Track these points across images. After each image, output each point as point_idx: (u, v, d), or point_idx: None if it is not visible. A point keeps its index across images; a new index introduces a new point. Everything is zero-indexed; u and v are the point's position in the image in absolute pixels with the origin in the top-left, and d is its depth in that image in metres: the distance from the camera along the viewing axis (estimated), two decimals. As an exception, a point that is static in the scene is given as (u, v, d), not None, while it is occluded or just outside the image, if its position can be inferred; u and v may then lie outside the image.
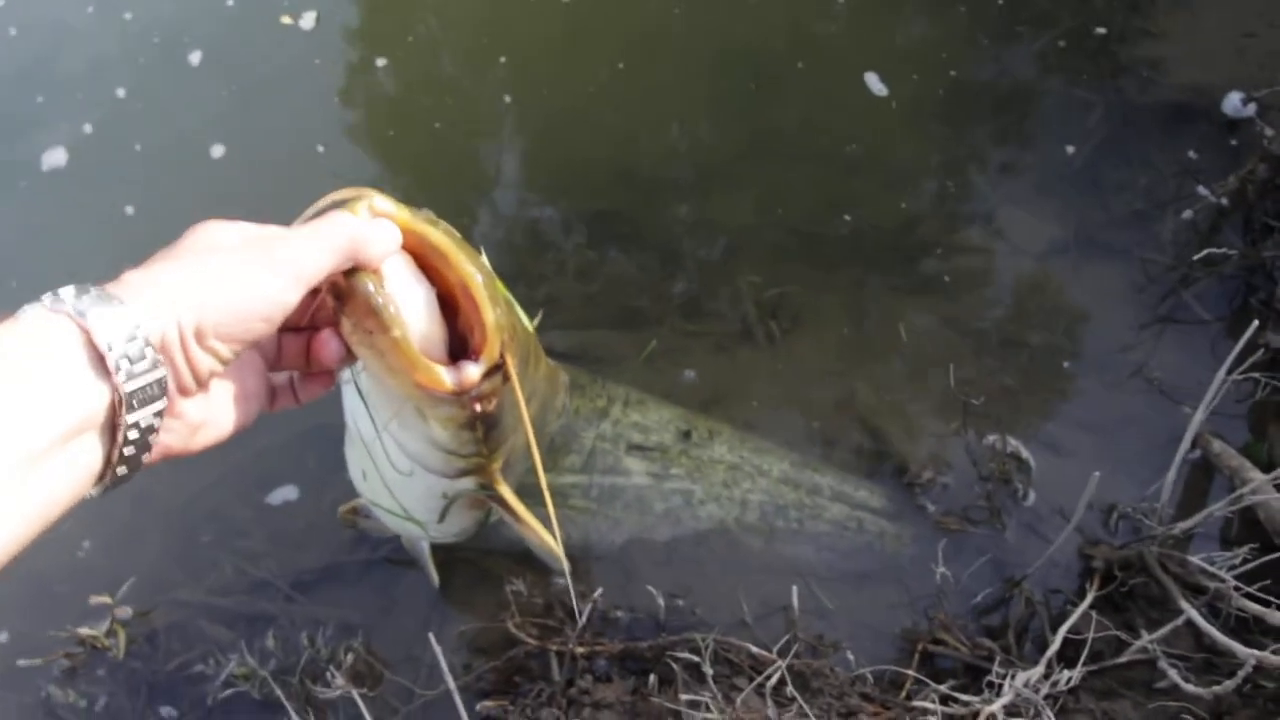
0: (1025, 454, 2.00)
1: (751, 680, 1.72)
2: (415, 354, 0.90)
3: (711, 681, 1.68)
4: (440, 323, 0.95)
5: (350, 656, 1.78)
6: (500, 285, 1.05)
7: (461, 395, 0.97)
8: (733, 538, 2.00)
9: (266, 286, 0.71)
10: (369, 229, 0.81)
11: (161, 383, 0.65)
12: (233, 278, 0.69)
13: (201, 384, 0.71)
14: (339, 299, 0.83)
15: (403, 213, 0.88)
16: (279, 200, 1.15)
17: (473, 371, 0.96)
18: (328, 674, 1.75)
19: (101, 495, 0.68)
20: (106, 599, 1.87)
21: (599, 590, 1.83)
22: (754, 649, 1.74)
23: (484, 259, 0.99)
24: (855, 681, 1.70)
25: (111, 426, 0.64)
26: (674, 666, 1.73)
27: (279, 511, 2.08)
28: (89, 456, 0.64)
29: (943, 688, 1.65)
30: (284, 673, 1.82)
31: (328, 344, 0.85)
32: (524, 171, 2.66)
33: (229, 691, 1.81)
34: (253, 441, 1.91)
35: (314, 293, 0.79)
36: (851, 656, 1.77)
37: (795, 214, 2.52)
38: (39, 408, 0.59)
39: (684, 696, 1.65)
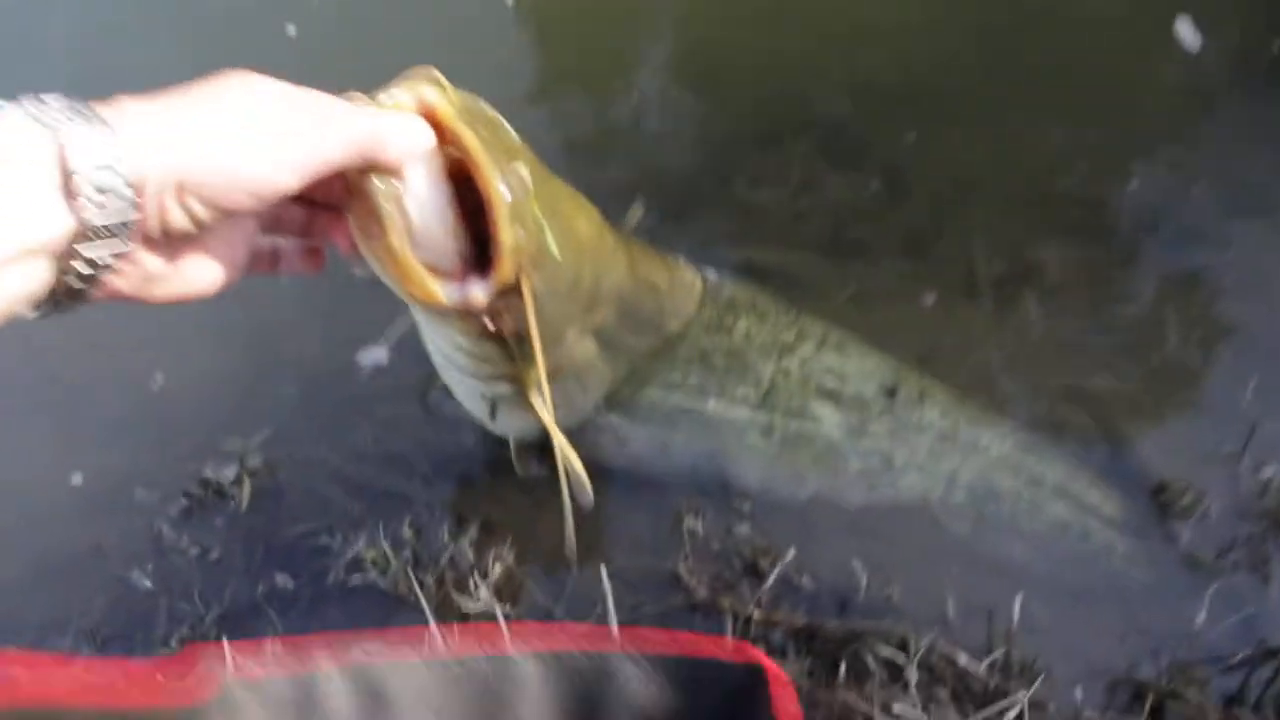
0: (1312, 498, 1.68)
1: (954, 694, 1.47)
2: (410, 266, 0.84)
3: (914, 689, 1.42)
4: (457, 233, 0.88)
5: (498, 567, 1.55)
6: (549, 195, 0.99)
7: (465, 312, 0.93)
8: (934, 518, 1.73)
9: (261, 164, 0.64)
10: (391, 130, 0.74)
11: (127, 224, 0.59)
12: (231, 142, 0.62)
13: (170, 238, 0.66)
14: (348, 190, 0.79)
15: (447, 104, 0.82)
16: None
17: (478, 291, 0.91)
18: (471, 582, 1.52)
19: (37, 318, 0.63)
20: (237, 444, 1.67)
21: (791, 551, 1.57)
22: (967, 663, 1.47)
23: (525, 169, 0.92)
24: (1081, 725, 1.43)
25: (65, 253, 0.59)
26: (868, 660, 1.48)
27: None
28: (33, 278, 0.58)
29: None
30: (419, 567, 1.60)
31: (341, 226, 0.81)
32: (754, 63, 2.35)
33: (356, 576, 1.60)
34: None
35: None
36: (1080, 695, 1.50)
37: (1053, 170, 2.19)
38: None
39: (880, 697, 1.40)
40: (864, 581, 1.57)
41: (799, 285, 2.03)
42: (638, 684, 0.63)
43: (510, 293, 0.95)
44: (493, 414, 1.54)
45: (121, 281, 0.65)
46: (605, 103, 2.43)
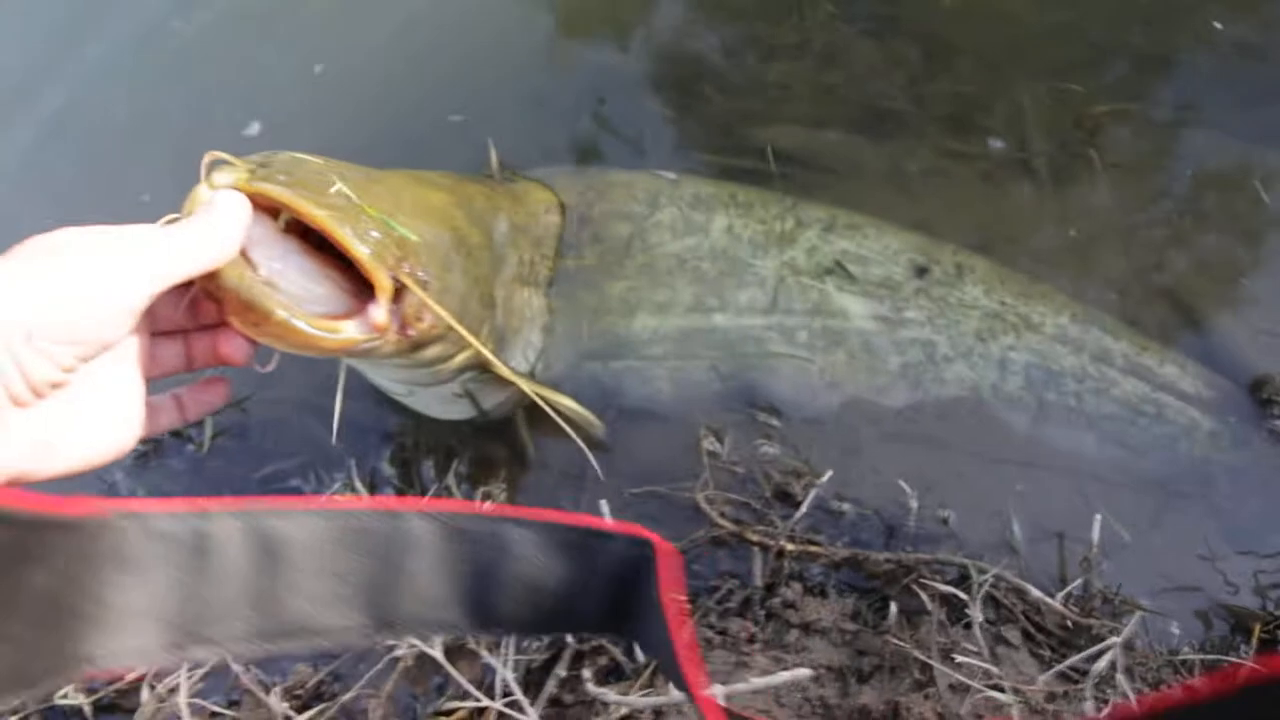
0: None
1: (1026, 634, 1.25)
2: (307, 328, 0.82)
3: (979, 631, 1.21)
4: (326, 274, 0.89)
5: (488, 505, 1.34)
6: (383, 192, 0.99)
7: (383, 335, 0.91)
8: (987, 412, 1.50)
9: (108, 285, 0.63)
10: (201, 231, 0.72)
11: None
12: (70, 275, 0.62)
13: (37, 393, 0.62)
14: (213, 299, 0.77)
15: (235, 179, 0.82)
16: None
17: (378, 313, 0.90)
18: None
19: None
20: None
21: (827, 473, 1.35)
22: (1039, 595, 1.25)
23: (344, 185, 0.91)
24: (1179, 667, 1.21)
25: None
26: (923, 597, 1.26)
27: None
28: None
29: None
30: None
31: (235, 341, 0.79)
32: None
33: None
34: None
35: (183, 289, 0.73)
36: (1177, 630, 1.28)
37: (1114, 25, 1.89)
38: None
39: (939, 642, 1.19)
40: (914, 504, 1.34)
41: (829, 169, 1.78)
42: (528, 549, 0.61)
43: (404, 294, 0.95)
44: (478, 407, 1.40)
45: (11, 453, 0.61)
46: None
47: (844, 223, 1.58)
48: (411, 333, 1.00)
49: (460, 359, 1.24)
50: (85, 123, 2.04)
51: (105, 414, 0.69)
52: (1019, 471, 1.46)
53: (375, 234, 0.91)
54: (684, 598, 0.59)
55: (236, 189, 0.80)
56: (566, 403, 1.37)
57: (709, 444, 1.39)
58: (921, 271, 1.55)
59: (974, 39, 1.92)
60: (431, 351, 1.15)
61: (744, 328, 1.50)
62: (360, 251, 0.88)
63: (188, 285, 0.74)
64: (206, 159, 0.82)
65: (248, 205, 0.77)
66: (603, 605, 0.63)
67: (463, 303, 1.17)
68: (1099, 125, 1.79)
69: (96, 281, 0.64)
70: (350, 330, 0.88)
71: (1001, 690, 1.09)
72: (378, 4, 2.11)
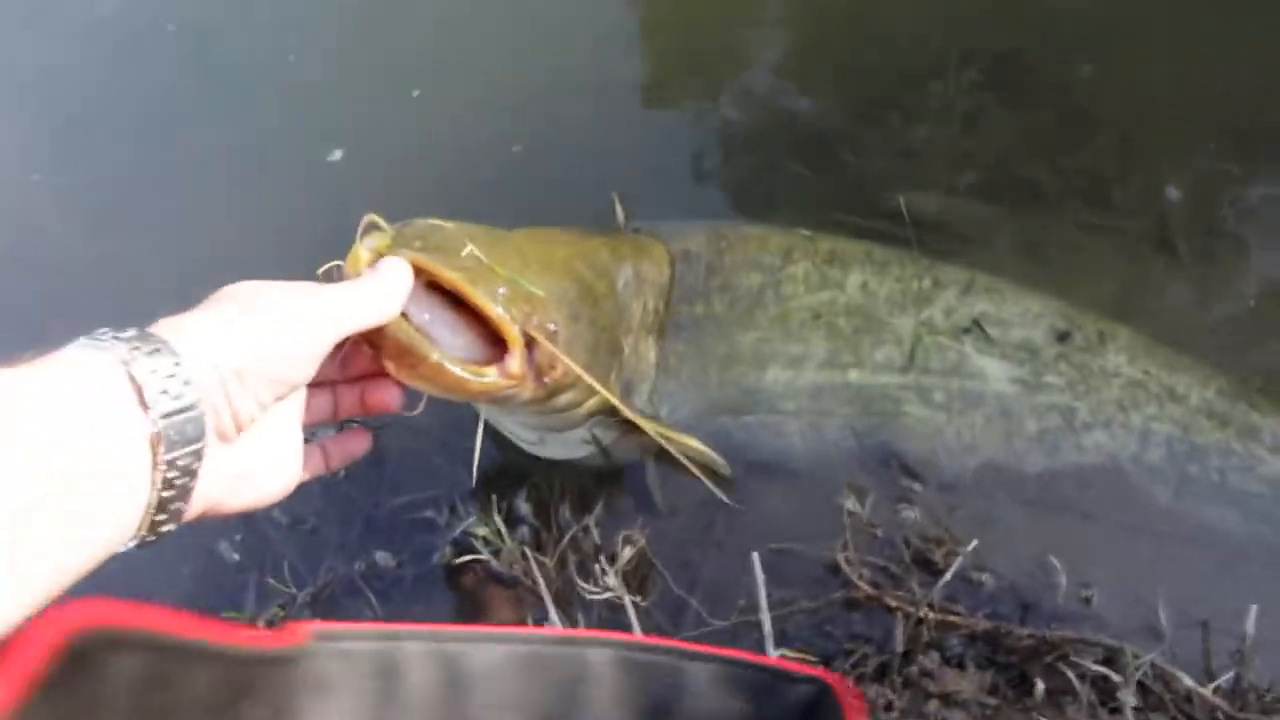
0: None
1: (1177, 722, 1.21)
2: (455, 370, 0.90)
3: (1130, 715, 1.17)
4: (468, 327, 0.97)
5: (628, 551, 1.34)
6: (509, 250, 1.06)
7: (517, 383, 0.99)
8: (1129, 483, 1.46)
9: (303, 331, 0.71)
10: (380, 291, 0.81)
11: (199, 420, 0.63)
12: (272, 322, 0.69)
13: (240, 428, 0.69)
14: (374, 346, 0.86)
15: (385, 239, 0.94)
16: None
17: (513, 364, 0.97)
18: (597, 566, 1.32)
19: (138, 547, 0.63)
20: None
21: (973, 542, 1.33)
22: (1192, 684, 1.21)
23: (473, 246, 0.98)
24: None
25: (150, 467, 0.61)
26: (1070, 676, 1.23)
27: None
28: (128, 498, 0.60)
29: None
30: (537, 548, 1.40)
31: (387, 389, 0.87)
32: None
33: (464, 557, 1.40)
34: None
35: (337, 348, 0.77)
36: (1336, 731, 1.23)
37: (1256, 100, 1.87)
38: (82, 441, 0.56)
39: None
40: (1062, 580, 1.31)
41: (963, 235, 1.77)
42: (707, 686, 0.59)
43: (536, 345, 1.02)
44: (605, 453, 1.42)
45: (209, 485, 0.67)
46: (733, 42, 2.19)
47: (983, 285, 1.57)
48: (547, 380, 1.07)
49: (591, 404, 1.28)
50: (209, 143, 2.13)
51: (276, 457, 0.75)
52: (1161, 546, 1.42)
53: (504, 291, 0.98)
54: None
55: (379, 253, 0.91)
56: (693, 444, 1.38)
57: (850, 504, 1.38)
58: (1063, 337, 1.53)
59: (1112, 108, 1.91)
60: (565, 398, 1.20)
61: (879, 385, 1.49)
62: (492, 309, 0.95)
63: (343, 340, 0.79)
64: (364, 220, 0.93)
65: (410, 268, 0.86)
66: None
67: (591, 351, 1.21)
68: (1240, 201, 1.77)
69: (294, 328, 0.71)
70: (492, 376, 0.96)
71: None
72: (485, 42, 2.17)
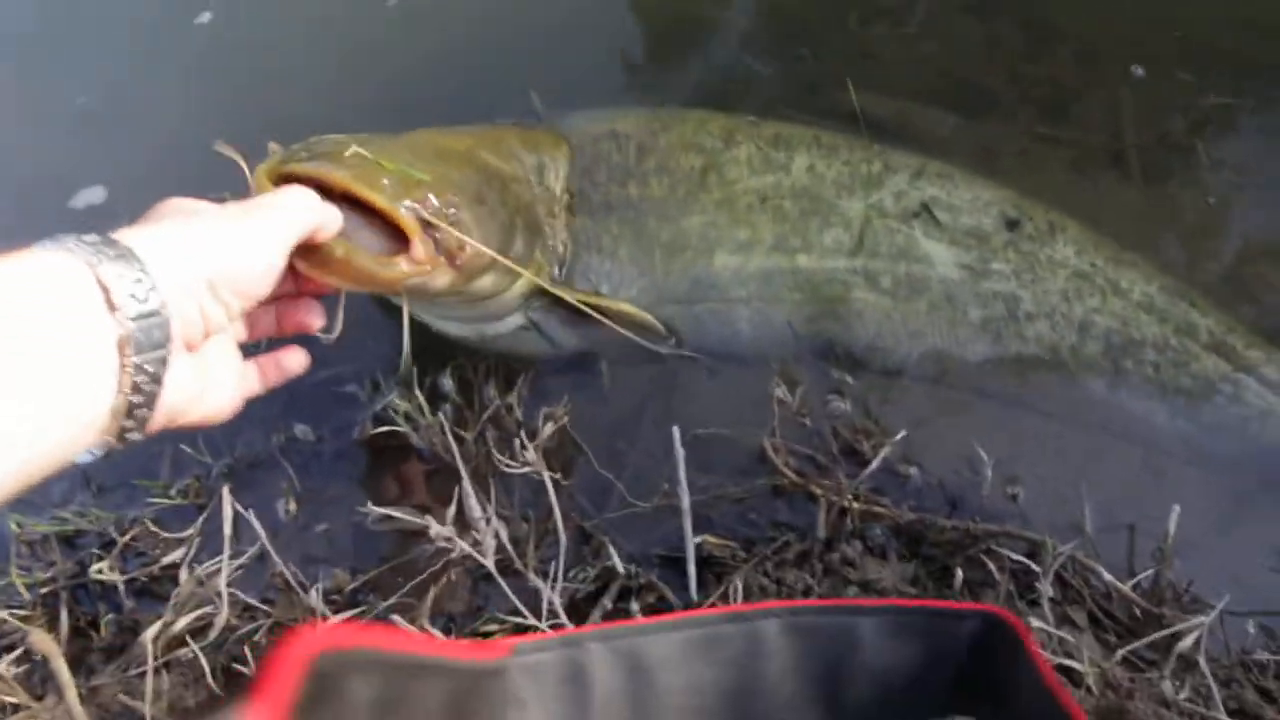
0: None
1: (1093, 617, 1.21)
2: (384, 270, 0.97)
3: (1047, 606, 1.16)
4: (377, 226, 1.00)
5: (549, 427, 1.31)
6: (385, 163, 1.04)
7: (428, 266, 1.03)
8: (1066, 374, 1.46)
9: (261, 243, 0.75)
10: (320, 210, 0.85)
11: (165, 325, 0.64)
12: (234, 235, 0.72)
13: (208, 334, 0.72)
14: (310, 263, 0.88)
15: (288, 163, 0.98)
16: None
17: (417, 249, 1.01)
18: (517, 441, 1.28)
19: (104, 456, 0.65)
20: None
21: (900, 432, 1.31)
22: (1111, 579, 1.21)
23: (354, 148, 1.02)
24: (1251, 667, 1.16)
25: (118, 369, 0.62)
26: (991, 568, 1.22)
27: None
28: (96, 398, 0.62)
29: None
30: (459, 426, 1.36)
31: (307, 309, 0.89)
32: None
33: (383, 428, 1.36)
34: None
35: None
36: (1252, 629, 1.23)
37: (1224, 21, 1.84)
38: (50, 336, 0.58)
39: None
40: (988, 473, 1.30)
41: (917, 140, 1.73)
42: (876, 638, 0.59)
43: (438, 230, 1.06)
44: (548, 339, 1.42)
45: (174, 396, 0.68)
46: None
47: (934, 170, 1.54)
48: (458, 262, 1.09)
49: (519, 286, 1.30)
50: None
51: (223, 373, 0.78)
52: (1090, 443, 1.41)
53: (387, 182, 1.01)
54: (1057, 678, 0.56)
55: (272, 171, 0.96)
56: (625, 309, 1.37)
57: (780, 392, 1.35)
58: (1012, 225, 1.50)
59: (1076, 21, 1.87)
60: (486, 282, 1.22)
61: (828, 270, 1.46)
62: (378, 199, 0.98)
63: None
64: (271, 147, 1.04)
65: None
66: (951, 685, 0.61)
67: (505, 230, 1.22)
68: (1198, 120, 1.74)
69: (253, 241, 0.74)
70: (403, 265, 1.00)
71: (1071, 661, 1.04)
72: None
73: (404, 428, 1.34)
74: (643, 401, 1.45)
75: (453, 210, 1.09)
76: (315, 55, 1.96)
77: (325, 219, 0.86)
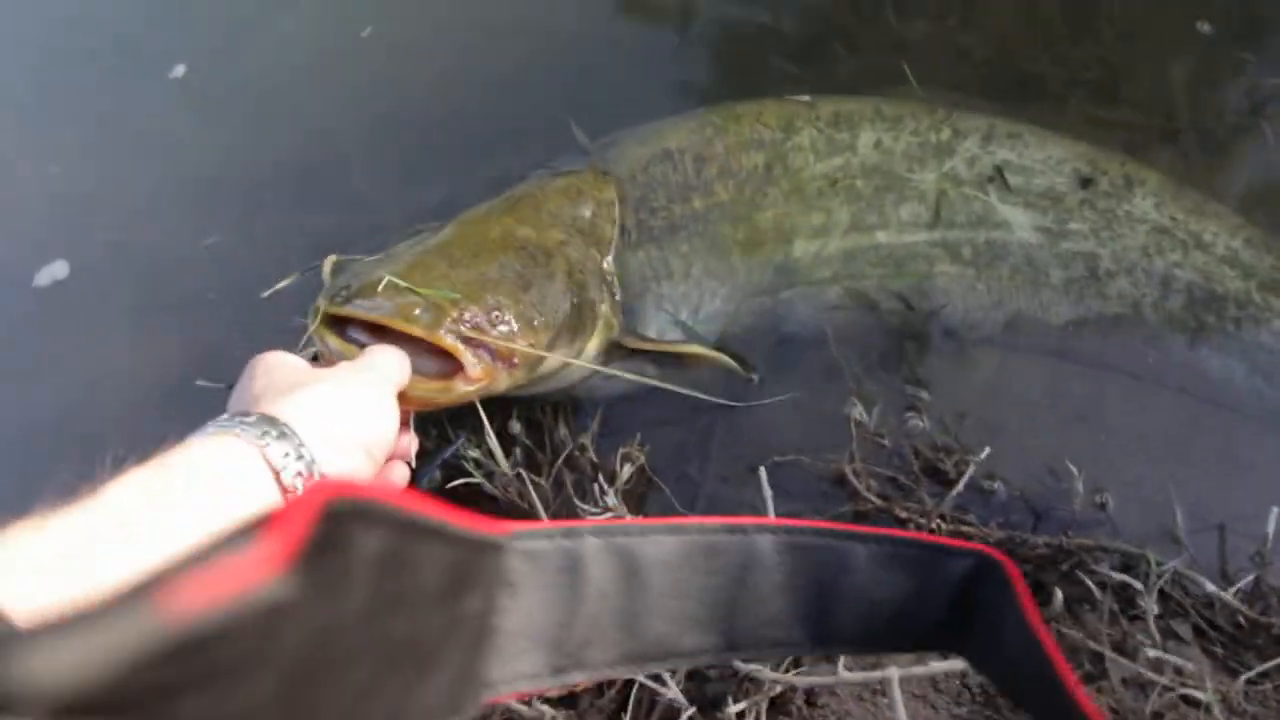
0: None
1: (1198, 630, 1.18)
2: (422, 393, 1.04)
3: (1153, 624, 1.14)
4: (430, 350, 1.07)
5: (628, 469, 1.29)
6: (420, 290, 1.08)
7: (493, 378, 1.11)
8: (1149, 331, 1.44)
9: (385, 404, 0.86)
10: (402, 362, 0.98)
11: None
12: (363, 399, 0.83)
13: None
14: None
15: (334, 304, 1.08)
16: None
17: (470, 369, 1.07)
18: (596, 486, 1.26)
19: None
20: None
21: (985, 450, 1.28)
22: (1214, 589, 1.18)
23: (386, 279, 1.07)
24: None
25: None
26: (1089, 584, 1.19)
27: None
28: None
29: None
30: (531, 468, 1.34)
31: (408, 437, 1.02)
32: None
33: (455, 479, 1.34)
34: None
35: None
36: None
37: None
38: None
39: (1108, 633, 1.12)
40: (1077, 487, 1.27)
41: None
42: (867, 564, 0.59)
43: (476, 347, 1.09)
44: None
45: None
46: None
47: (1004, 131, 1.52)
48: (516, 362, 1.13)
49: (591, 349, 1.31)
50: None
51: None
52: (1173, 398, 1.41)
53: (420, 312, 1.05)
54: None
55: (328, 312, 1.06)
56: (699, 352, 1.37)
57: (856, 413, 1.32)
58: (1086, 182, 1.49)
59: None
60: (551, 363, 1.22)
61: (908, 245, 1.45)
62: (417, 331, 1.03)
63: None
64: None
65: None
66: (939, 620, 0.60)
67: (558, 306, 1.22)
68: (1253, 95, 1.70)
69: (377, 402, 0.86)
70: (460, 386, 1.06)
71: (1191, 686, 1.02)
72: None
73: (477, 476, 1.32)
74: (709, 426, 1.43)
75: (495, 313, 1.12)
76: (307, 92, 1.90)
77: (407, 369, 0.98)
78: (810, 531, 0.60)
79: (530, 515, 1.27)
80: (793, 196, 1.45)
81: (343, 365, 0.88)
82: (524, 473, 1.27)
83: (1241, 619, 1.18)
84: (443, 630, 0.45)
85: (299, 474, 0.68)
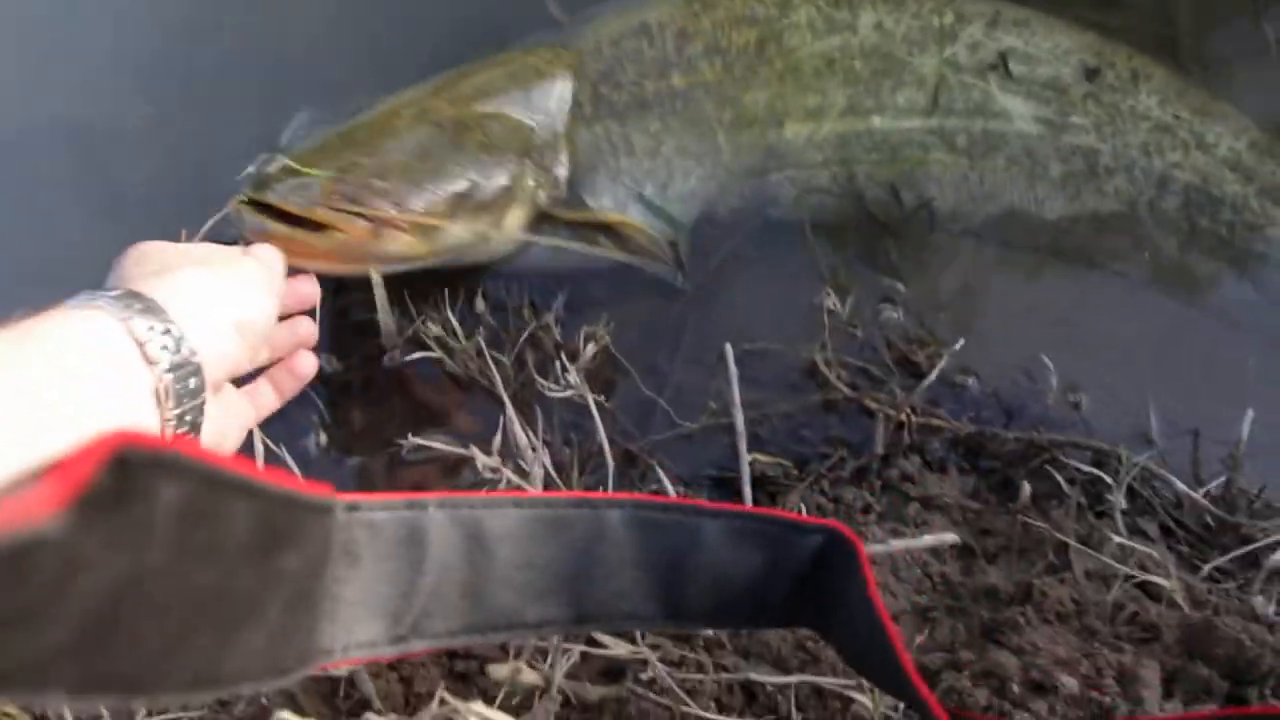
0: None
1: (1165, 529, 1.16)
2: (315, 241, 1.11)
3: (1120, 519, 1.11)
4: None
5: (591, 348, 1.25)
6: (304, 169, 1.13)
7: (372, 237, 1.17)
8: (1141, 232, 1.42)
9: (265, 291, 0.78)
10: (276, 258, 0.86)
11: (199, 373, 0.65)
12: (241, 281, 0.76)
13: (231, 377, 0.75)
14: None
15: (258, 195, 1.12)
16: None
17: (348, 234, 1.12)
18: (558, 365, 1.22)
19: None
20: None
21: (958, 341, 1.25)
22: (1183, 488, 1.16)
23: (277, 160, 1.14)
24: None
25: (158, 423, 0.64)
26: (1058, 479, 1.17)
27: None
28: None
29: None
30: (493, 346, 1.30)
31: (304, 360, 0.93)
32: None
33: (415, 354, 1.30)
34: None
35: None
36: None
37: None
38: (92, 404, 0.58)
39: (1074, 527, 1.10)
40: (1050, 382, 1.24)
41: None
42: (719, 539, 0.61)
43: (358, 211, 1.15)
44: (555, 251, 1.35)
45: (207, 440, 0.71)
46: None
47: (1010, 17, 1.47)
48: (405, 227, 1.16)
49: (513, 221, 1.28)
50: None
51: (241, 406, 0.82)
52: (1155, 299, 1.40)
53: (303, 189, 1.11)
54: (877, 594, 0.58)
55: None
56: (630, 223, 1.34)
57: (830, 302, 1.28)
58: (1092, 74, 1.45)
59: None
60: (459, 229, 1.21)
61: (904, 131, 1.41)
62: (292, 209, 1.09)
63: None
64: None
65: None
66: (789, 596, 0.62)
67: (458, 172, 1.22)
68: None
69: (257, 287, 0.78)
70: (337, 236, 1.12)
71: (1154, 576, 1.00)
72: None
73: (437, 352, 1.28)
74: (683, 312, 1.39)
75: (377, 184, 1.14)
76: None
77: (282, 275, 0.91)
78: (660, 507, 0.60)
79: (491, 393, 1.23)
80: (787, 76, 1.40)
81: (218, 250, 0.81)
82: (484, 348, 1.22)
83: (1209, 519, 1.16)
84: (256, 586, 0.44)
85: (164, 348, 0.63)
